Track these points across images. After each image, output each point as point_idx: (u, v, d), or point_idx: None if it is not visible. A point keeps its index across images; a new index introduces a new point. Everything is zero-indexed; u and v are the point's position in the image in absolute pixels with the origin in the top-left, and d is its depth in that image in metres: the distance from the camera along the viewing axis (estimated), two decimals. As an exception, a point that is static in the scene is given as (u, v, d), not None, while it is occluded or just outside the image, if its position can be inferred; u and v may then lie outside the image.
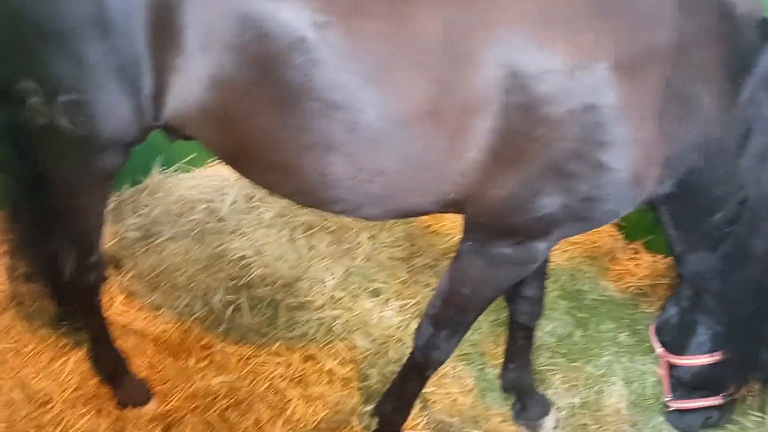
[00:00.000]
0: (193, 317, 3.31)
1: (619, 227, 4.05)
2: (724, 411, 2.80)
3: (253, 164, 2.26)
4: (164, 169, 4.12)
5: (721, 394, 2.69)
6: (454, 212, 2.28)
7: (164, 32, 2.02)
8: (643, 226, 3.83)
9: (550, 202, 2.09)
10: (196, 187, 4.09)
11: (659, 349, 2.73)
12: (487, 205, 2.15)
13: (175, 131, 2.30)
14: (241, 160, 2.28)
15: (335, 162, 2.10)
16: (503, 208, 2.13)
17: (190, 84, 2.07)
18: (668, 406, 2.82)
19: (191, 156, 4.15)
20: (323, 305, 3.49)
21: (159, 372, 3.05)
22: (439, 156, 2.07)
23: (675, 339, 2.65)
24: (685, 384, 2.73)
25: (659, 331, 2.72)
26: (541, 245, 2.23)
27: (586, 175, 2.04)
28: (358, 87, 2.00)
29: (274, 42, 1.98)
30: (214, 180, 4.15)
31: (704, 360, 2.59)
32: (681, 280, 2.56)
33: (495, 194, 2.11)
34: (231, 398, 2.98)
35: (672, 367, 2.72)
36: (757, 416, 3.12)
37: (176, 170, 4.16)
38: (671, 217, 2.37)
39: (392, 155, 2.08)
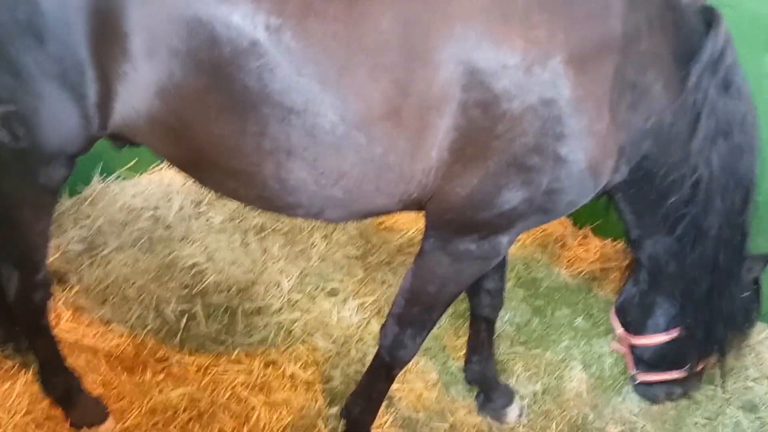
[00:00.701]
0: (146, 329, 3.20)
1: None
2: (688, 384, 2.87)
3: (210, 172, 2.19)
4: (105, 177, 3.96)
5: (683, 368, 2.75)
6: (417, 210, 2.27)
7: (108, 38, 1.93)
8: (590, 211, 3.89)
9: (512, 197, 2.09)
10: (140, 194, 3.95)
11: (620, 330, 2.79)
12: (450, 203, 2.14)
13: (123, 139, 2.20)
14: (198, 168, 2.21)
15: (296, 167, 2.06)
16: (467, 204, 2.12)
17: (138, 91, 1.99)
18: (635, 379, 2.88)
19: (133, 161, 4.01)
20: (281, 308, 3.43)
21: (114, 389, 2.93)
22: (402, 156, 2.05)
23: (634, 319, 2.71)
24: (645, 362, 2.79)
25: (619, 313, 2.78)
26: (504, 239, 2.24)
27: (546, 169, 2.05)
28: (316, 90, 1.96)
29: (225, 46, 1.92)
30: (158, 186, 4.03)
31: (662, 338, 2.66)
32: (638, 263, 2.61)
33: (458, 191, 2.11)
34: (192, 410, 2.89)
35: (633, 346, 2.78)
36: (710, 389, 3.24)
37: (118, 177, 4.00)
38: (627, 203, 2.41)
39: (353, 158, 2.05)
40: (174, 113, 2.02)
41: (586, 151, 2.06)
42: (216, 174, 2.18)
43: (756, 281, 2.53)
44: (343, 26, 1.94)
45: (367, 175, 2.08)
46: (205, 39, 1.92)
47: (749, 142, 2.23)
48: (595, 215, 3.91)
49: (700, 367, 2.72)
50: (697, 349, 2.63)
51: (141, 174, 4.09)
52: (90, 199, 3.83)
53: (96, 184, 3.91)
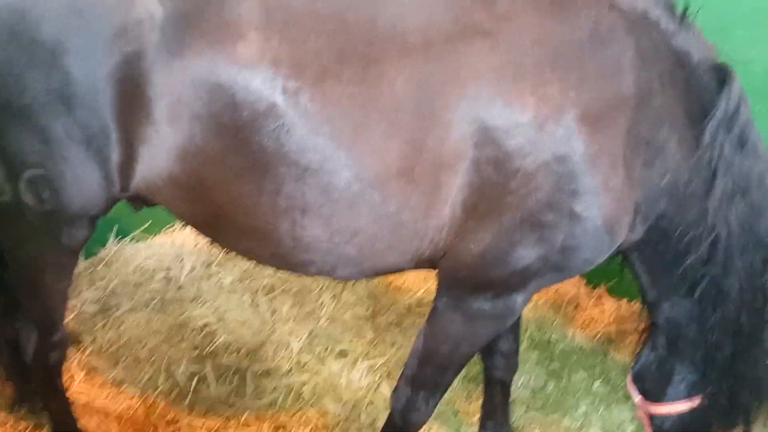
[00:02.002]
0: (157, 391, 3.18)
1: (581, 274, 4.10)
2: None
3: (226, 231, 2.22)
4: (120, 239, 4.02)
5: None
6: (430, 268, 2.27)
7: (133, 103, 1.99)
8: (604, 271, 3.87)
9: (527, 254, 2.10)
10: (153, 255, 3.99)
11: (637, 398, 2.69)
12: (464, 260, 2.15)
13: (142, 201, 2.25)
14: (214, 227, 2.24)
15: (311, 225, 2.08)
16: (480, 262, 2.13)
17: (159, 154, 2.04)
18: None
19: (147, 224, 4.07)
20: (290, 370, 3.40)
21: (124, 451, 2.92)
22: (415, 214, 2.07)
23: (652, 387, 2.60)
24: None
25: (636, 380, 2.68)
26: (519, 298, 2.23)
27: (561, 226, 2.06)
28: (332, 150, 2.00)
29: (244, 110, 1.98)
30: (171, 247, 4.06)
31: (683, 406, 2.55)
32: (655, 327, 2.55)
33: (472, 248, 2.11)
34: (202, 474, 2.86)
35: (652, 415, 2.67)
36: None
37: (132, 239, 4.06)
38: (644, 263, 2.36)
39: (368, 216, 2.07)
40: (194, 175, 2.07)
41: (602, 208, 2.06)
42: (232, 233, 2.21)
43: None
44: (359, 88, 2.00)
45: (381, 232, 2.10)
46: (226, 103, 1.98)
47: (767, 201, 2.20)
48: (609, 275, 3.87)
49: None
50: (721, 418, 2.50)
51: (154, 236, 4.14)
52: (105, 261, 3.88)
53: (111, 246, 3.97)
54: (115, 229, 3.98)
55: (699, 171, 2.15)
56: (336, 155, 2.01)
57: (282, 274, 3.79)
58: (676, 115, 2.12)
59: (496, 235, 2.08)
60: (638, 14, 2.07)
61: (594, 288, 4.08)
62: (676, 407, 2.55)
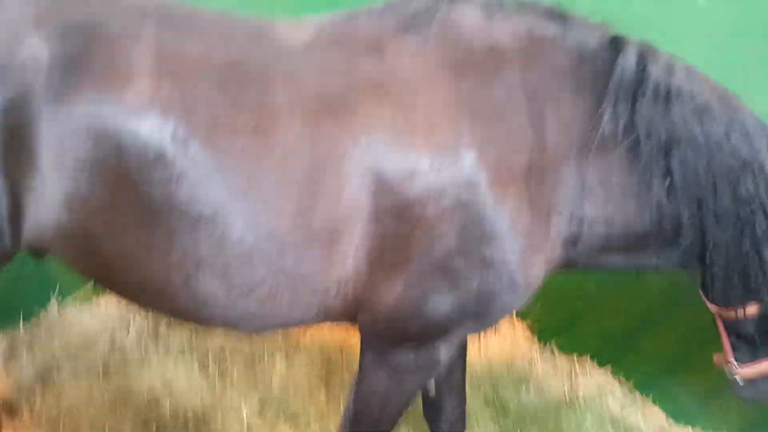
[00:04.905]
0: (98, 464, 3.04)
1: (531, 329, 4.11)
2: None
3: (123, 284, 2.16)
4: (61, 300, 3.87)
5: None
6: (348, 322, 2.24)
7: (17, 153, 1.93)
8: (554, 326, 3.92)
9: (442, 303, 2.08)
10: (96, 317, 3.86)
11: (713, 306, 2.36)
12: (379, 312, 2.12)
13: (39, 253, 2.17)
14: (110, 280, 2.18)
15: (205, 279, 2.03)
16: (396, 313, 2.10)
17: (46, 204, 1.97)
18: (735, 379, 2.35)
19: (90, 283, 3.93)
20: (241, 436, 3.30)
21: None
22: (315, 267, 2.05)
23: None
24: (749, 339, 2.32)
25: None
26: (442, 347, 2.21)
27: (473, 272, 2.05)
28: (224, 200, 1.97)
29: (132, 157, 1.93)
30: (116, 309, 3.91)
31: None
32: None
33: (385, 300, 2.09)
34: None
35: (729, 323, 2.32)
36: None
37: (75, 300, 3.91)
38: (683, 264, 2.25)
39: (265, 270, 2.03)
40: (81, 225, 2.00)
41: (513, 251, 2.06)
42: (128, 287, 2.16)
43: None
44: (251, 138, 1.98)
45: (280, 286, 2.06)
46: (112, 150, 1.93)
47: (723, 128, 2.11)
48: (559, 331, 3.90)
49: None
50: None
51: (99, 296, 4.00)
52: (45, 324, 3.72)
53: (52, 307, 3.82)
54: (56, 289, 3.83)
55: (622, 158, 2.10)
56: (228, 206, 1.97)
57: (233, 336, 3.70)
58: (582, 121, 2.10)
59: (408, 286, 2.06)
60: (523, 39, 2.12)
61: (546, 344, 4.08)
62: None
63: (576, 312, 3.83)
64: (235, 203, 1.98)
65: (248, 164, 1.98)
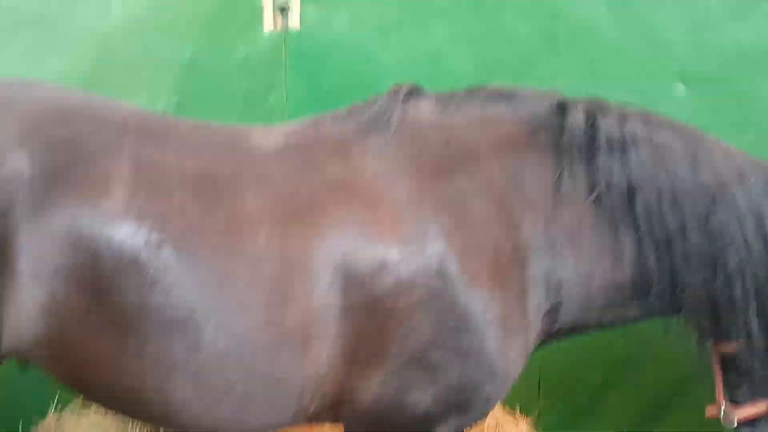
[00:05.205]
0: None
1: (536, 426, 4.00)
2: None
3: (97, 392, 2.17)
4: (61, 409, 3.83)
5: None
6: (330, 421, 2.21)
7: None
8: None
9: (422, 397, 2.05)
10: (97, 425, 3.79)
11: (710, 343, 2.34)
12: (360, 410, 2.10)
13: (23, 362, 2.21)
14: (85, 386, 2.18)
15: (179, 384, 2.03)
16: (377, 410, 2.08)
17: (23, 311, 2.01)
18: (731, 422, 2.31)
19: (89, 393, 3.90)
20: None
21: None
22: (289, 367, 2.04)
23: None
24: (747, 373, 2.28)
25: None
26: None
27: (452, 363, 2.03)
28: (196, 304, 2.00)
29: (106, 263, 1.98)
30: (116, 416, 3.86)
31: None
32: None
33: (364, 397, 2.07)
34: None
35: (725, 360, 2.30)
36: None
37: (74, 410, 3.85)
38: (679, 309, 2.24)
39: (238, 372, 2.03)
40: (56, 332, 2.03)
41: (490, 338, 2.04)
42: (102, 394, 2.16)
43: None
44: (222, 240, 2.03)
45: (255, 390, 2.05)
46: (88, 256, 1.98)
47: (687, 166, 2.13)
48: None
49: None
50: None
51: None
52: (43, 434, 3.66)
53: (51, 418, 3.78)
54: (56, 398, 3.80)
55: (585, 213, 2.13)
56: (201, 310, 2.00)
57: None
58: (553, 178, 2.13)
59: (386, 381, 2.04)
60: (477, 125, 2.21)
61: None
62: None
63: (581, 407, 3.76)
64: (207, 307, 2.01)
65: (219, 268, 2.03)
